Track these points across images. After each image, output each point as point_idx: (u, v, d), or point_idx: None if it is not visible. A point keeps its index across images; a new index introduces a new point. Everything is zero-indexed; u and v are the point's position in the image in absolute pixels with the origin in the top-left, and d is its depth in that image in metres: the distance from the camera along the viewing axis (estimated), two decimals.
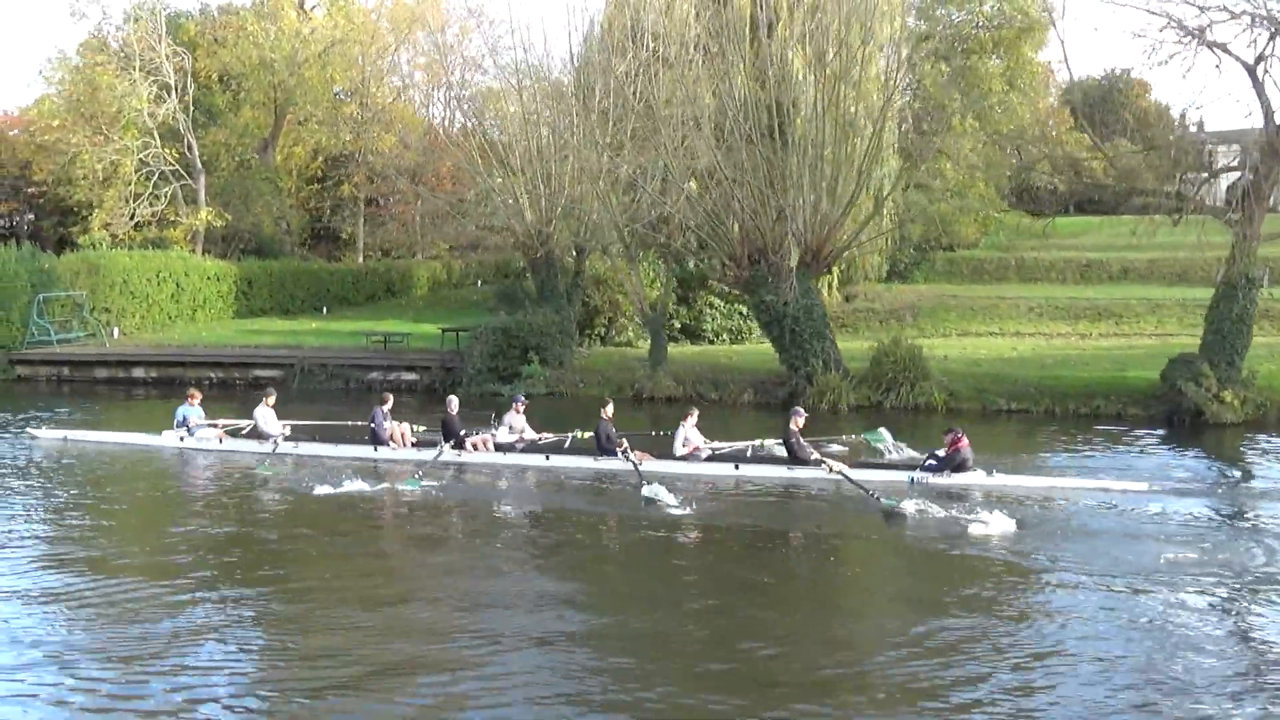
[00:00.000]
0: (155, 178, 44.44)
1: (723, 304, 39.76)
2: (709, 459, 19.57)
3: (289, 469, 20.21)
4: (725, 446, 19.98)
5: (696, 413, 20.40)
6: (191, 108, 45.55)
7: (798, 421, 19.00)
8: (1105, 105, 77.75)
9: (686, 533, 15.90)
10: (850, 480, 17.89)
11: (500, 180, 35.34)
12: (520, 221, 34.47)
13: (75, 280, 38.41)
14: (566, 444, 20.62)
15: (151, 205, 44.13)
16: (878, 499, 16.66)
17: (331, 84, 51.78)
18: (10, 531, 15.58)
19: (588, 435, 20.40)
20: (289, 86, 49.58)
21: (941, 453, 18.25)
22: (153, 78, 44.37)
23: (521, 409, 21.18)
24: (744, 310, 40.25)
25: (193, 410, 22.11)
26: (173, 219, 45.02)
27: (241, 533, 15.73)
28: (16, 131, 58.35)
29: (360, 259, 56.56)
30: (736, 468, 19.19)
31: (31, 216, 61.20)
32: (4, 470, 20.17)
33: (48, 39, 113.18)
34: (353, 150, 53.83)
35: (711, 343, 38.83)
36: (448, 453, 20.06)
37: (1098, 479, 18.43)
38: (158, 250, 42.86)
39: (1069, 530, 15.74)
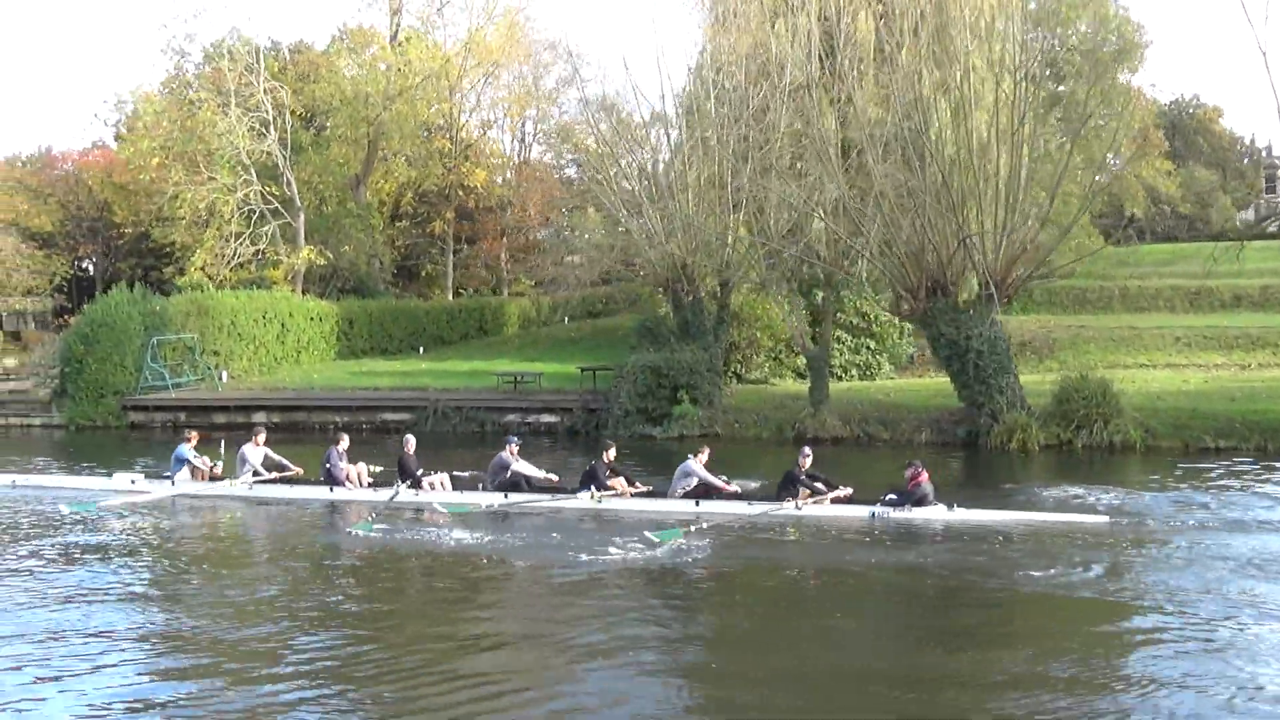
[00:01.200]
0: (255, 216, 42.98)
1: (850, 338, 38.08)
2: (684, 496, 18.90)
3: (242, 510, 19.61)
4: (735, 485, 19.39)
5: (708, 450, 19.74)
6: (289, 144, 44.16)
7: (804, 462, 18.59)
8: (1175, 131, 76.29)
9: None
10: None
11: (634, 215, 33.65)
12: (663, 255, 32.77)
13: (186, 322, 36.98)
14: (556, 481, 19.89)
15: (253, 244, 42.64)
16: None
17: (420, 118, 50.28)
18: None
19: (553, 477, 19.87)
20: (382, 121, 48.19)
21: (903, 488, 18.04)
22: (251, 113, 43.03)
23: (515, 450, 19.99)
24: (872, 344, 38.60)
25: (189, 451, 21.14)
26: (273, 258, 43.52)
27: (173, 581, 14.74)
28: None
29: (450, 296, 54.97)
30: (697, 504, 18.55)
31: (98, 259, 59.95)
32: None
33: (97, 78, 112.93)
34: (442, 186, 52.42)
35: (840, 379, 37.05)
36: (404, 492, 19.36)
37: (1058, 512, 18.19)
38: (261, 291, 41.42)
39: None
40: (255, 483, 20.48)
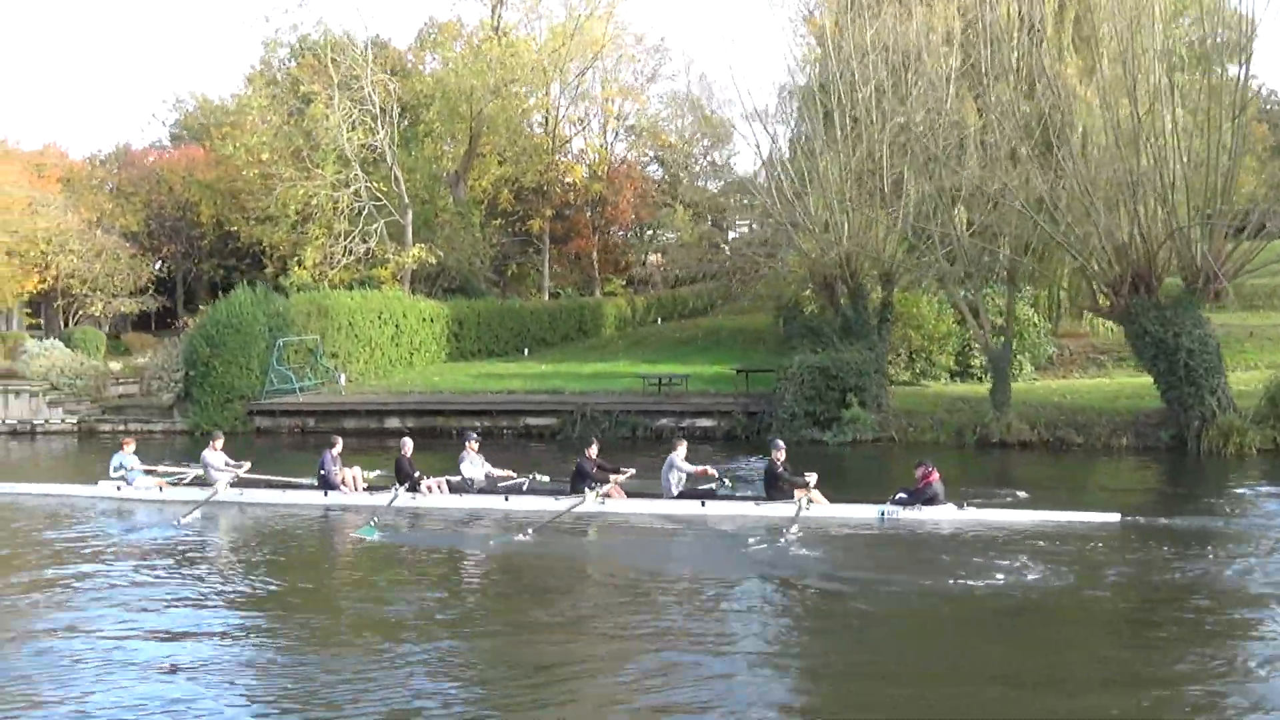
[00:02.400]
0: (364, 214, 41.48)
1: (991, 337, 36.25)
2: (679, 497, 18.54)
3: (229, 518, 18.97)
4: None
5: (685, 444, 19.23)
6: (396, 139, 42.67)
7: (778, 456, 18.25)
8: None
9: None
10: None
11: (791, 211, 31.96)
12: (826, 251, 31.07)
13: (307, 323, 35.48)
14: (525, 486, 19.58)
15: (363, 242, 41.13)
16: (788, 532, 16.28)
17: (522, 112, 48.68)
18: None
19: (544, 479, 19.53)
20: (484, 116, 46.62)
21: (913, 487, 17.75)
22: (360, 107, 41.53)
23: (475, 446, 19.91)
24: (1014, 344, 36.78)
25: (129, 458, 20.82)
26: (381, 257, 42.03)
27: (187, 588, 14.21)
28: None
29: (545, 297, 53.36)
30: (703, 505, 18.22)
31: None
32: None
33: (153, 71, 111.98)
34: (539, 182, 50.84)
35: (979, 379, 35.18)
36: (402, 496, 18.98)
37: (1066, 510, 17.64)
38: (375, 291, 39.94)
39: None
40: (247, 486, 20.16)
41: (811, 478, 17.81)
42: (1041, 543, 15.82)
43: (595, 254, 56.63)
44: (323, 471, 19.63)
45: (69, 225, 42.83)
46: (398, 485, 19.22)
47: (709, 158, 66.98)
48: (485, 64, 45.75)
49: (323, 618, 12.79)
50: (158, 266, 58.37)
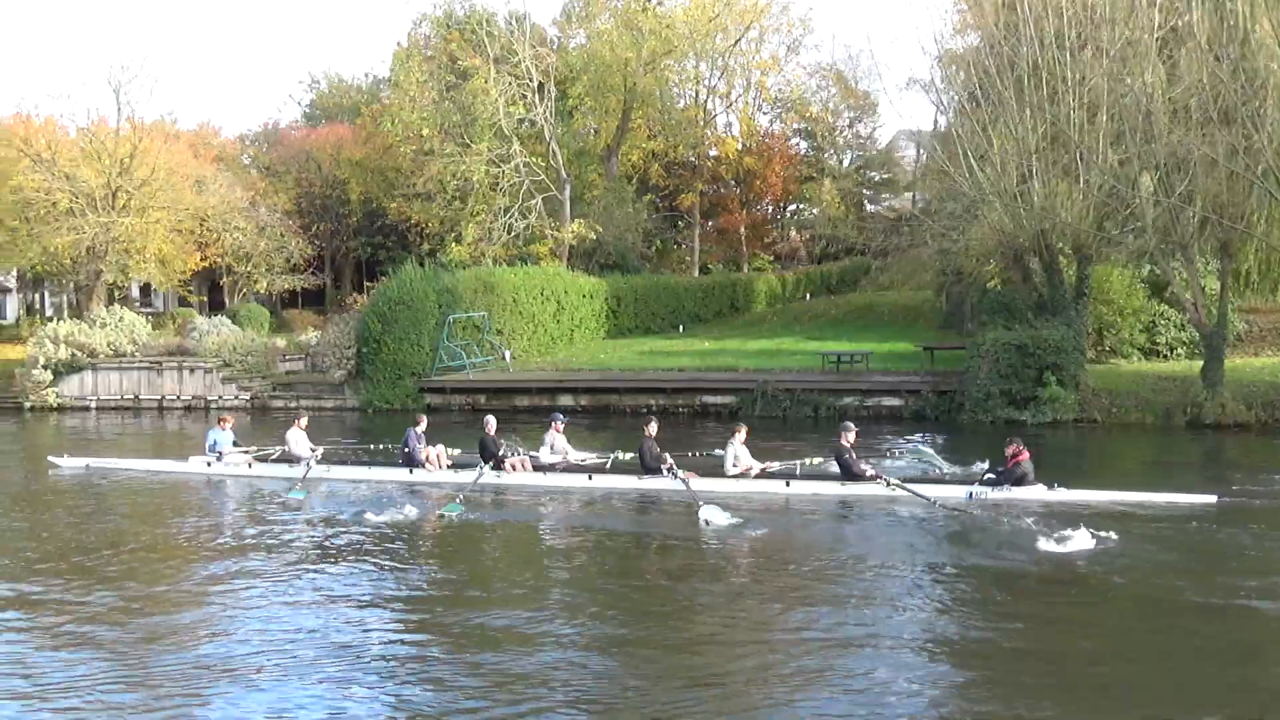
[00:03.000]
0: (523, 189, 40.99)
1: (1178, 315, 34.37)
2: (758, 476, 18.41)
3: (320, 494, 18.90)
4: (775, 465, 18.83)
5: (745, 429, 19.09)
6: (554, 113, 42.09)
7: (848, 437, 17.92)
8: None
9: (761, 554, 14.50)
10: (912, 492, 17.00)
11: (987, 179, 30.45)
12: (1019, 222, 29.55)
13: (474, 300, 35.11)
14: (608, 465, 19.46)
15: (523, 218, 40.66)
16: (939, 506, 16.32)
17: (680, 83, 47.74)
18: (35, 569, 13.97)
19: (629, 456, 19.35)
20: (638, 88, 45.79)
21: (1001, 466, 17.43)
22: (519, 81, 41.01)
23: (561, 428, 19.93)
24: None
25: (223, 435, 21.14)
26: (539, 233, 41.54)
27: (272, 562, 14.18)
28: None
29: (695, 272, 52.45)
30: (787, 484, 18.05)
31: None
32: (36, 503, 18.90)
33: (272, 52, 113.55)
34: (691, 157, 49.90)
35: (1165, 357, 33.43)
36: (487, 474, 18.93)
37: (1163, 491, 17.02)
38: (537, 267, 39.49)
39: None
40: (334, 464, 20.39)
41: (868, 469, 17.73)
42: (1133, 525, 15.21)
43: (742, 229, 55.54)
44: (407, 449, 19.63)
45: (236, 201, 43.03)
46: (482, 463, 19.14)
47: (853, 129, 65.49)
48: (637, 36, 44.86)
49: (488, 614, 11.95)
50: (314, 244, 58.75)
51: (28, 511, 18.23)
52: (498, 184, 40.73)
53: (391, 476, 19.72)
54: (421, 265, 38.60)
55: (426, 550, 15.13)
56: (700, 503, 16.24)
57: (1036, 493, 16.92)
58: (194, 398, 35.08)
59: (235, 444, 21.27)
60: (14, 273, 56.51)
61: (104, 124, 41.34)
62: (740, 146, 51.11)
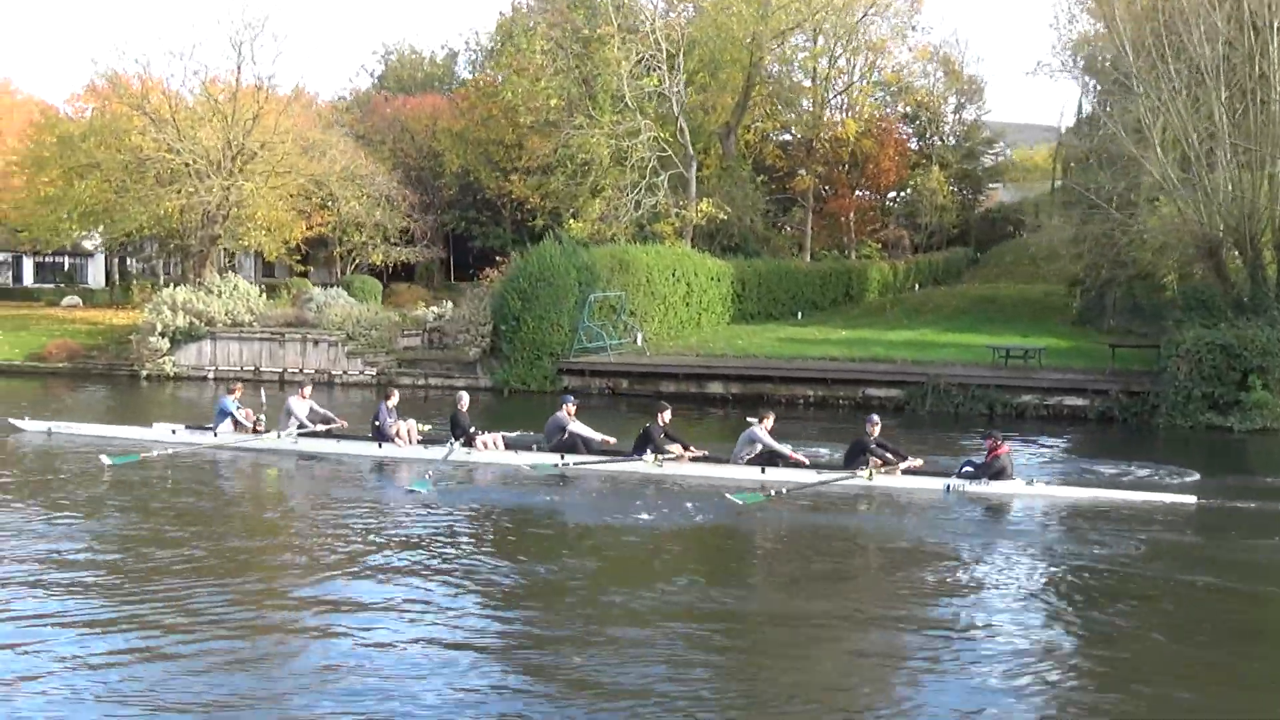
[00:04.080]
0: (650, 165, 39.21)
1: None
2: (749, 463, 17.86)
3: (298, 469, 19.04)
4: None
5: (772, 416, 18.50)
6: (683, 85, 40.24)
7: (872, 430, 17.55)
8: None
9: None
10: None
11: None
12: (1213, 214, 27.63)
13: (610, 279, 33.42)
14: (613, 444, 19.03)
15: (651, 194, 38.90)
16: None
17: (797, 63, 45.77)
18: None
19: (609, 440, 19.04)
20: (761, 64, 43.87)
21: (978, 459, 17.42)
22: (650, 51, 39.19)
23: (572, 410, 19.29)
24: None
25: (231, 403, 20.58)
26: (664, 211, 39.78)
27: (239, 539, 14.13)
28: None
29: (808, 258, 50.52)
30: (763, 471, 17.61)
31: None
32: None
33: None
34: (808, 137, 47.94)
35: None
36: (458, 451, 18.76)
37: (1142, 491, 16.98)
38: (667, 247, 37.80)
39: None
40: (300, 435, 19.73)
41: (915, 462, 17.40)
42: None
43: (851, 215, 53.64)
44: (377, 423, 19.32)
45: (358, 167, 41.17)
46: (453, 440, 18.95)
47: (958, 115, 63.48)
48: (764, 7, 42.81)
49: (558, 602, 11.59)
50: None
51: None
52: (626, 158, 38.92)
53: (360, 450, 19.46)
54: (529, 242, 37.09)
55: (398, 526, 14.73)
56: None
57: (1015, 487, 16.78)
58: (317, 371, 33.55)
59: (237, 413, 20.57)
60: (95, 238, 55.38)
61: (215, 84, 39.77)
62: (861, 129, 49.06)
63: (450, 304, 36.34)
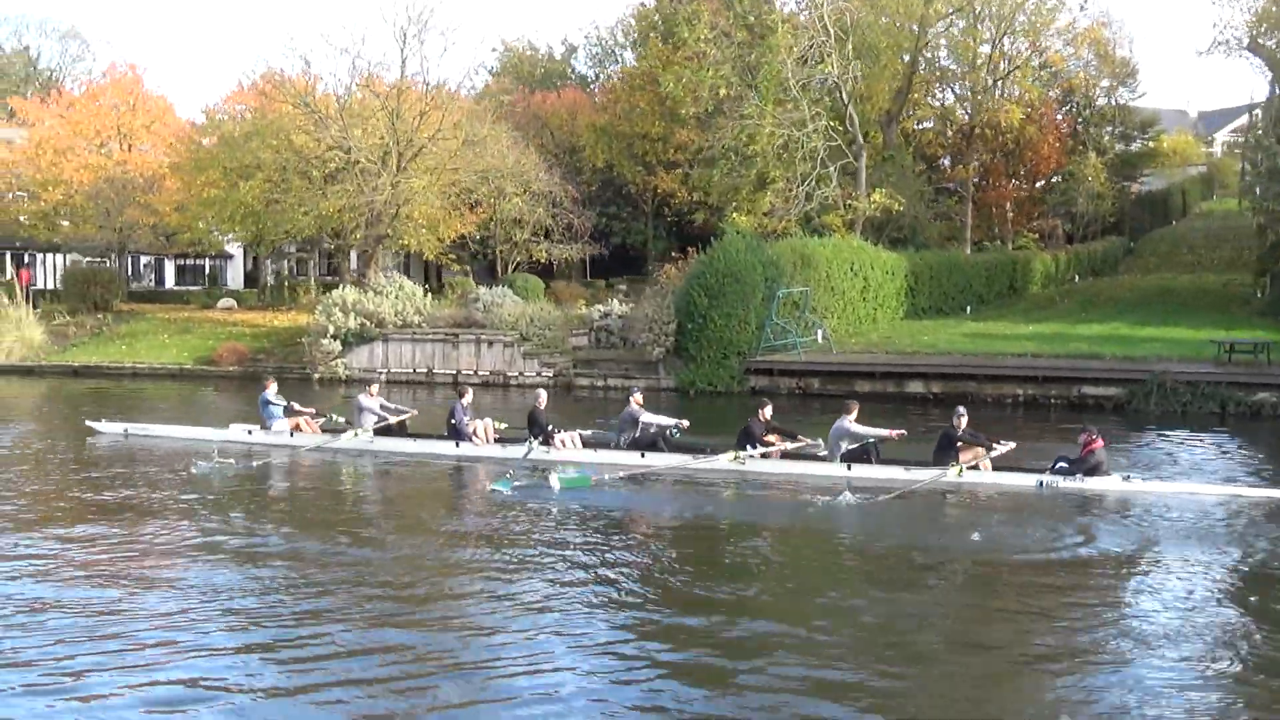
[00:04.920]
0: (820, 155, 37.73)
1: None
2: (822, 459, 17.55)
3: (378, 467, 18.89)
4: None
5: (857, 406, 17.84)
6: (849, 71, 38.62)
7: (960, 422, 17.02)
8: None
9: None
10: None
11: None
12: None
13: (793, 274, 32.06)
14: (666, 436, 18.47)
15: (820, 186, 37.43)
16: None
17: (964, 47, 43.79)
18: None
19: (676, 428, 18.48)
20: (927, 49, 42.11)
21: (1073, 455, 16.72)
22: (818, 38, 37.69)
23: (640, 399, 19.02)
24: None
25: (273, 398, 20.41)
26: (834, 203, 38.28)
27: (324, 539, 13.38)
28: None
29: (967, 249, 48.56)
30: (849, 469, 17.11)
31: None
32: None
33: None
34: (971, 125, 45.99)
35: None
36: (536, 449, 18.40)
37: (1236, 485, 16.91)
38: (844, 240, 36.33)
39: None
40: (376, 433, 19.56)
41: (1007, 446, 16.90)
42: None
43: (1008, 204, 51.56)
44: (454, 421, 19.11)
45: (530, 164, 39.98)
46: (531, 438, 18.58)
47: (1110, 100, 60.82)
48: None
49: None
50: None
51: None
52: (797, 148, 37.47)
53: (438, 449, 19.21)
54: (668, 237, 35.83)
55: (485, 528, 14.25)
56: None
57: (1111, 483, 16.31)
58: (492, 373, 32.75)
59: (286, 409, 20.47)
60: (229, 239, 55.36)
61: (380, 79, 39.13)
62: (1025, 116, 46.96)
63: (616, 302, 35.36)
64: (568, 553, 12.79)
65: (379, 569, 12.02)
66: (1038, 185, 53.69)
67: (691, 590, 11.45)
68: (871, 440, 17.29)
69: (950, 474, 16.60)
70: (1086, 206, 55.87)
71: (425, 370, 33.34)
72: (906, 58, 42.95)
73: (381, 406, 20.01)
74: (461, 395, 19.67)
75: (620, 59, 61.30)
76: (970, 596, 11.68)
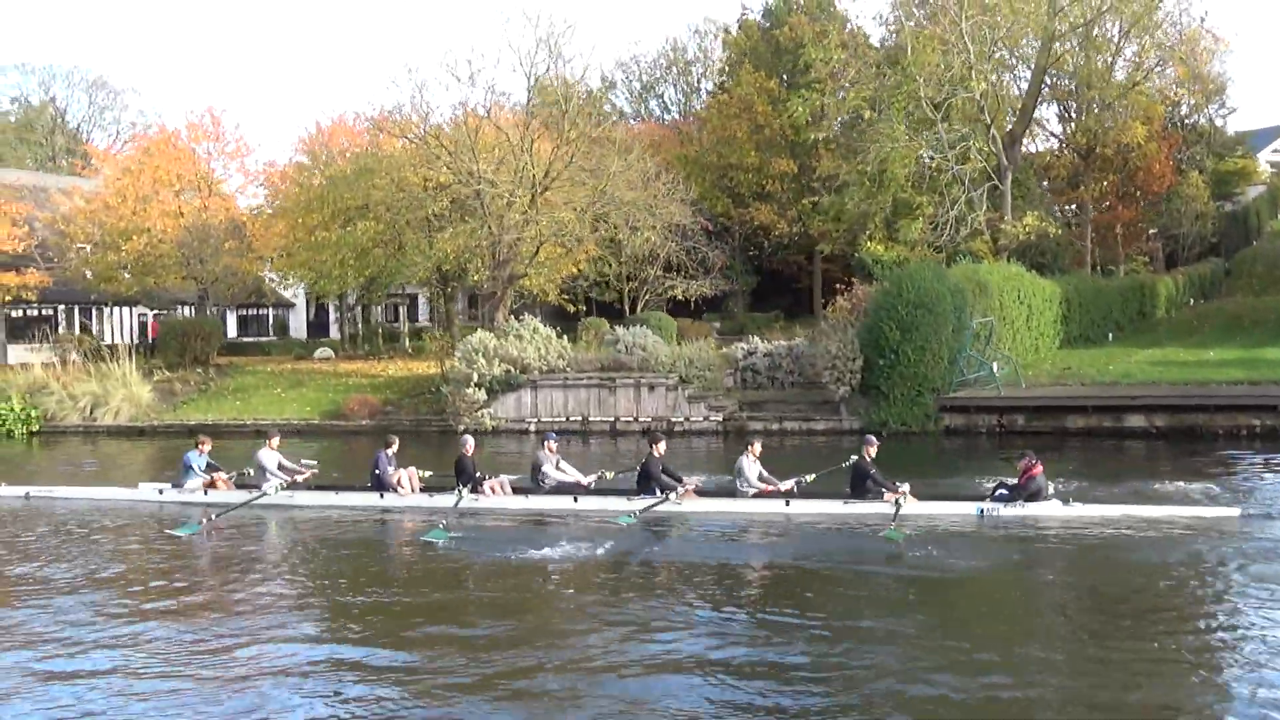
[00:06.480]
0: (968, 177, 35.67)
1: None
2: (755, 495, 17.57)
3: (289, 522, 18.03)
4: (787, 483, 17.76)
5: (759, 444, 18.17)
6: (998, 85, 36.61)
7: (870, 451, 17.37)
8: None
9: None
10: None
11: None
12: None
13: (975, 302, 29.91)
14: (591, 484, 18.47)
15: (970, 210, 35.35)
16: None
17: (1097, 60, 41.49)
18: None
19: (614, 475, 19.26)
20: (1052, 66, 40.05)
21: (1013, 481, 16.77)
22: (958, 56, 35.69)
23: (554, 447, 18.98)
24: None
25: (199, 459, 19.63)
26: (980, 227, 36.20)
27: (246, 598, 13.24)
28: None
29: (1088, 272, 46.36)
30: (787, 504, 17.25)
31: None
32: None
33: None
34: (1095, 143, 43.84)
35: None
36: (466, 498, 18.03)
37: (1187, 506, 16.73)
38: (1008, 267, 34.25)
39: None
40: (288, 488, 18.87)
41: (905, 486, 16.79)
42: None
43: (1119, 226, 49.48)
44: (377, 471, 18.61)
45: (656, 198, 37.50)
46: (460, 486, 18.13)
47: (1201, 116, 58.92)
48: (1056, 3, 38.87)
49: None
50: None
51: None
52: (943, 171, 35.44)
53: (361, 501, 18.64)
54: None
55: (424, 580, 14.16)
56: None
57: (1052, 508, 16.27)
58: (654, 418, 30.42)
59: (208, 469, 19.66)
60: (296, 287, 53.15)
61: (501, 109, 36.96)
62: (1147, 133, 44.89)
63: (756, 339, 33.24)
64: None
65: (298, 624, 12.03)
66: (1144, 206, 51.56)
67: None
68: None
69: (888, 504, 16.44)
70: (1190, 227, 53.95)
71: (579, 418, 31.03)
72: (1037, 74, 40.66)
73: (280, 465, 19.16)
74: (388, 445, 19.01)
75: (673, 92, 59.36)
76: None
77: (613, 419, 30.85)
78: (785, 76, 49.43)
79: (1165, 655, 10.48)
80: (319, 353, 44.26)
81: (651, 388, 30.73)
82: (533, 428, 31.25)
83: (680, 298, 43.91)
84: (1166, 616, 11.81)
